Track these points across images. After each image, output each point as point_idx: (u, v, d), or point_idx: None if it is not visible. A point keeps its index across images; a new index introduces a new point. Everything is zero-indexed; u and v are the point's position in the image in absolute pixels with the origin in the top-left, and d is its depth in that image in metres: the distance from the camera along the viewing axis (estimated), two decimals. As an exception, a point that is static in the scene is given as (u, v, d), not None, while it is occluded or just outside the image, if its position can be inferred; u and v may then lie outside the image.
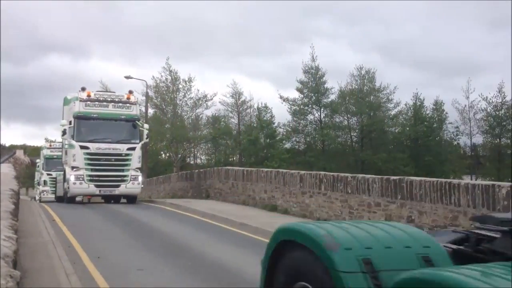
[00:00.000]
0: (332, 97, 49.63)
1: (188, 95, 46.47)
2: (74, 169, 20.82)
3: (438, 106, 49.56)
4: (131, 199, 22.24)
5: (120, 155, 21.29)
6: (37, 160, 44.79)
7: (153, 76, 46.08)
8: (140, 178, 22.04)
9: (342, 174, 14.74)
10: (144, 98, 41.15)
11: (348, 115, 50.19)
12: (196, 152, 55.41)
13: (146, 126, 23.11)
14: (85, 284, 7.38)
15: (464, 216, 10.47)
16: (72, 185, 20.78)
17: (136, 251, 10.50)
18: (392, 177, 12.74)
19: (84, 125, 21.20)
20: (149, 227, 13.95)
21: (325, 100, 49.00)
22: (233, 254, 10.49)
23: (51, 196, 32.58)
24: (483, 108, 45.36)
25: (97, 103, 21.45)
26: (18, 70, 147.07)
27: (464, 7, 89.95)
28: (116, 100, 21.90)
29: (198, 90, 46.93)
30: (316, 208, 15.30)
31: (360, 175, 14.00)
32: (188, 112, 47.63)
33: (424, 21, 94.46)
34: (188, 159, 54.99)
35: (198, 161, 56.29)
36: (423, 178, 11.95)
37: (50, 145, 36.83)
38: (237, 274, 8.76)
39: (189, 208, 18.44)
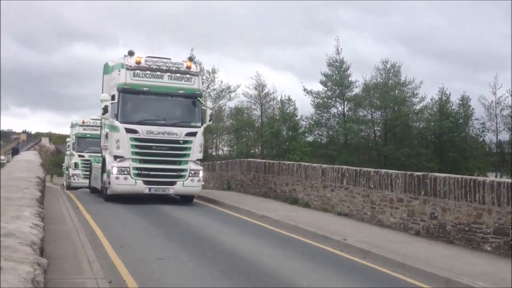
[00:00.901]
0: (356, 90, 49.30)
1: (212, 86, 46.66)
2: (118, 159, 16.03)
3: (464, 101, 48.83)
4: (187, 198, 17.46)
5: (177, 142, 16.40)
6: (67, 140, 39.04)
7: (177, 67, 46.26)
8: (201, 174, 16.91)
9: (365, 169, 14.64)
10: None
11: (372, 109, 49.78)
12: (218, 143, 55.64)
13: (209, 104, 18.15)
14: (107, 271, 7.49)
15: (488, 214, 10.32)
16: (114, 180, 15.88)
17: (157, 241, 10.61)
18: (416, 173, 12.61)
19: (131, 102, 16.44)
20: (171, 217, 14.07)
21: (349, 94, 48.64)
22: (253, 246, 10.53)
23: (83, 182, 28.40)
24: (510, 105, 44.56)
25: (148, 72, 16.40)
26: (44, 58, 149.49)
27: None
28: (173, 69, 16.70)
29: (222, 82, 47.06)
30: (337, 202, 15.25)
31: (383, 170, 13.89)
32: (211, 103, 47.76)
33: (451, 13, 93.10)
34: (210, 150, 55.25)
35: (220, 152, 56.49)
36: (447, 175, 11.80)
37: (83, 122, 31.74)
38: (256, 265, 8.82)
39: (210, 199, 18.53)
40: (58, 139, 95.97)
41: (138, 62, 16.24)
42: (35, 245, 4.39)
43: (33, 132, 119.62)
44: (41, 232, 5.08)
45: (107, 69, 18.69)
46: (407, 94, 49.51)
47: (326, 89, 48.76)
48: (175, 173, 16.38)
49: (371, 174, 13.93)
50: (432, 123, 48.71)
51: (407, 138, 49.46)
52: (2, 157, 62.66)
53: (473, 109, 48.54)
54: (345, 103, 48.87)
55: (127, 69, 16.17)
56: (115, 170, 15.85)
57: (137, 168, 15.99)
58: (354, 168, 15.24)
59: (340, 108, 49.20)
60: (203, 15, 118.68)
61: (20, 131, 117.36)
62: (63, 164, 46.01)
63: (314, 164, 17.68)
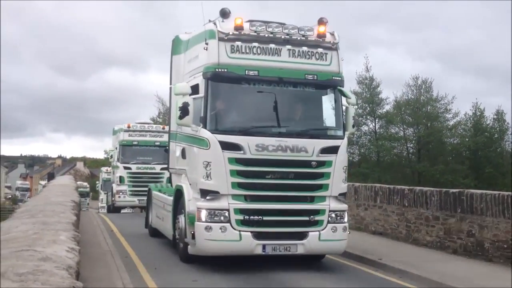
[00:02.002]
0: (387, 107, 48.93)
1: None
2: (209, 196, 9.40)
3: (499, 116, 47.89)
4: (317, 257, 10.92)
5: (305, 164, 9.85)
6: (108, 150, 33.27)
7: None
8: (346, 217, 10.46)
9: (399, 187, 14.43)
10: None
11: (404, 126, 49.23)
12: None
13: (352, 98, 11.08)
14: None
15: (528, 231, 10.02)
16: (203, 233, 9.33)
17: (191, 262, 10.61)
18: (452, 190, 12.35)
19: (229, 95, 10.11)
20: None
21: (380, 111, 48.31)
22: (286, 267, 10.43)
23: (130, 200, 24.49)
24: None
25: (256, 45, 9.77)
26: (79, 84, 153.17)
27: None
28: (297, 39, 9.97)
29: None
30: (371, 221, 15.03)
31: (418, 188, 13.66)
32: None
33: (487, 26, 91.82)
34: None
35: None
36: (484, 191, 11.53)
37: (129, 126, 25.30)
38: (289, 285, 8.73)
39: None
40: (93, 163, 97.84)
41: (238, 27, 9.64)
42: (71, 269, 4.45)
43: (68, 157, 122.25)
44: (77, 256, 5.15)
45: (178, 46, 12.18)
46: (439, 110, 48.86)
47: (356, 107, 48.49)
48: (305, 218, 9.83)
49: (405, 192, 13.71)
50: (467, 139, 47.87)
51: (441, 155, 48.64)
52: (42, 182, 64.11)
53: (508, 123, 47.58)
54: (376, 120, 48.51)
55: (220, 39, 9.63)
56: (204, 215, 9.39)
57: (241, 211, 9.49)
58: (387, 186, 15.03)
59: (371, 126, 48.86)
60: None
61: (56, 156, 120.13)
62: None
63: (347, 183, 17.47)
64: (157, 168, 24.22)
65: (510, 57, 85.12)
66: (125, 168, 24.71)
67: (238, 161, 9.47)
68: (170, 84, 12.16)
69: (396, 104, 49.04)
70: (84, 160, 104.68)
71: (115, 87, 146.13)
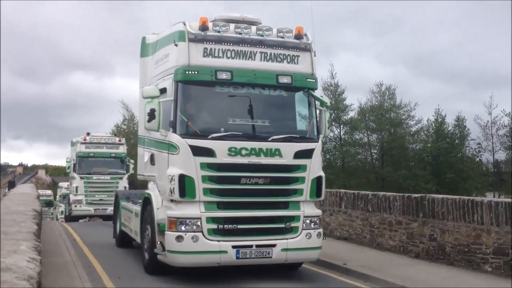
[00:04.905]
0: (352, 113, 49.61)
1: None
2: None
3: (460, 122, 49.08)
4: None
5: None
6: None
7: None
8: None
9: (363, 192, 14.63)
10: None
11: (368, 132, 50.00)
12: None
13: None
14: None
15: (487, 235, 10.29)
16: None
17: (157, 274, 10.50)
18: (414, 195, 12.60)
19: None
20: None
21: (344, 117, 48.93)
22: (254, 274, 10.44)
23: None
24: (505, 124, 44.77)
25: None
26: (42, 88, 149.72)
27: (496, 15, 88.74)
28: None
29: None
30: (336, 227, 15.19)
31: (381, 193, 13.89)
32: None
33: (455, 33, 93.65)
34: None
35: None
36: (445, 196, 11.80)
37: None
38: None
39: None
40: (55, 171, 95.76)
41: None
42: (32, 279, 4.36)
43: (29, 165, 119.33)
44: (38, 266, 5.05)
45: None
46: (402, 116, 49.79)
47: (329, 110, 49.02)
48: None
49: (369, 197, 13.91)
50: (429, 145, 48.87)
51: (404, 160, 49.54)
52: None
53: (468, 129, 48.76)
54: (341, 126, 49.12)
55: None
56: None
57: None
58: (352, 191, 15.23)
59: (336, 132, 49.42)
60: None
61: (17, 164, 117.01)
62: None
63: (312, 189, 17.61)
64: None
65: (476, 64, 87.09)
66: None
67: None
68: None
69: (360, 110, 49.78)
70: (46, 168, 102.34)
71: (79, 92, 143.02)
